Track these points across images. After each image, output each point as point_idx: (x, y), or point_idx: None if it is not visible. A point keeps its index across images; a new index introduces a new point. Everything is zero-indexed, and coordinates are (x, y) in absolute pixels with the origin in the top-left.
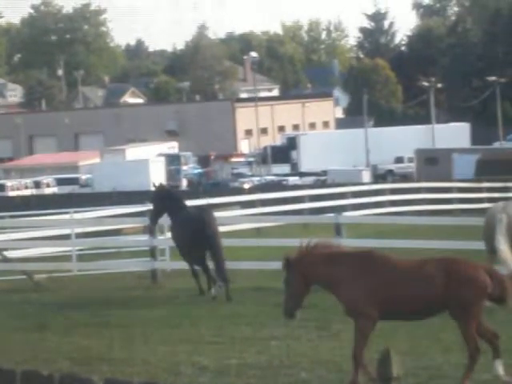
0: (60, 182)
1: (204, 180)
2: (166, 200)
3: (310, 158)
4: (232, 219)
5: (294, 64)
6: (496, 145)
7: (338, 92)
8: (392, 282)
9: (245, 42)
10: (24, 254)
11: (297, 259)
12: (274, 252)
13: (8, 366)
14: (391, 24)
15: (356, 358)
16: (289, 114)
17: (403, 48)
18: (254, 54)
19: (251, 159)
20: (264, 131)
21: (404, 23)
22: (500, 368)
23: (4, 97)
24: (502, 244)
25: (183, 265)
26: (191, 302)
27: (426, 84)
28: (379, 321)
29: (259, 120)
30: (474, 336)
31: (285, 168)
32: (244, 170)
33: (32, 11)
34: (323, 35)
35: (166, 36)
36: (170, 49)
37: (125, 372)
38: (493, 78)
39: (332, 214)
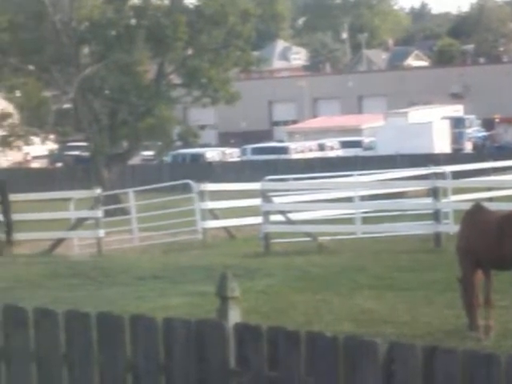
0: (344, 145)
1: (488, 143)
2: None
3: None
4: None
5: None
6: None
7: None
8: None
9: None
10: (308, 216)
11: None
12: None
13: (293, 328)
14: None
15: None
16: None
17: None
18: None
19: None
20: None
21: None
22: None
23: (288, 60)
24: None
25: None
26: None
27: None
28: None
29: None
30: None
31: None
32: None
33: None
34: None
35: None
36: (454, 11)
37: (407, 335)
38: None
39: None
